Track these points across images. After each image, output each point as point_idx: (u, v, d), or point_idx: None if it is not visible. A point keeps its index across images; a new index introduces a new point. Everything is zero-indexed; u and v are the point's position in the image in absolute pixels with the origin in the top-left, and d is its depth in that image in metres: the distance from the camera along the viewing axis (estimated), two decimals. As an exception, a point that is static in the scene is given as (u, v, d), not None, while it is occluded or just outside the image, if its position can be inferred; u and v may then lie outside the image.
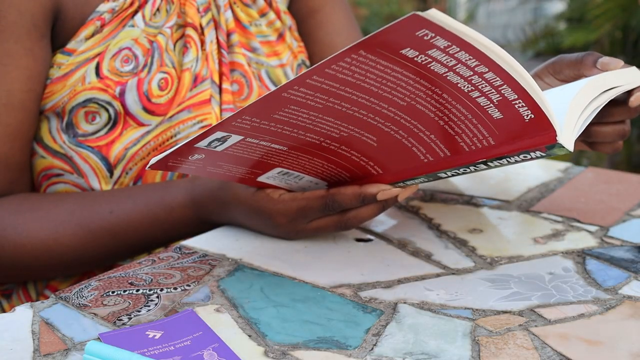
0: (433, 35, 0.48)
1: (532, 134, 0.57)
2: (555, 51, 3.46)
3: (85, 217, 0.78)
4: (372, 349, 0.55)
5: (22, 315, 0.60)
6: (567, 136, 0.57)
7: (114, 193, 0.80)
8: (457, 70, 0.52)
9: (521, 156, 0.59)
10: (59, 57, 0.81)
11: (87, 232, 0.77)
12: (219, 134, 0.59)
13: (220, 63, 0.87)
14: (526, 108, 0.55)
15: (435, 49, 0.50)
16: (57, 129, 0.82)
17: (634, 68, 0.69)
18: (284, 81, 0.90)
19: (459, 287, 0.64)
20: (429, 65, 0.51)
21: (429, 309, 0.61)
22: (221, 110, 0.86)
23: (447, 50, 0.50)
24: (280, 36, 0.94)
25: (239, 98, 0.88)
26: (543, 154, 0.58)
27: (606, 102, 0.64)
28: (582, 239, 0.74)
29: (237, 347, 0.55)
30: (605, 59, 0.70)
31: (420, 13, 0.46)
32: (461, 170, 0.63)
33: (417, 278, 0.66)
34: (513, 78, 0.52)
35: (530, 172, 0.94)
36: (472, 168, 0.62)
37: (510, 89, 0.53)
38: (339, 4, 1.01)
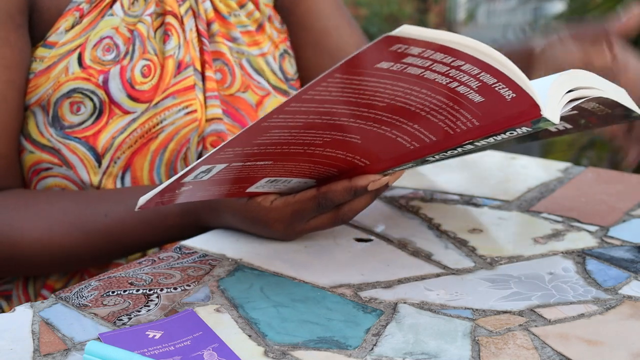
0: (407, 46, 0.49)
1: (516, 111, 0.57)
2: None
3: (79, 218, 0.78)
4: (372, 349, 0.55)
5: (22, 315, 0.60)
6: (552, 108, 0.57)
7: (108, 194, 0.80)
8: (433, 68, 0.53)
9: (507, 133, 0.59)
10: (41, 51, 0.82)
11: (81, 232, 0.78)
12: (203, 167, 0.59)
13: (202, 51, 0.88)
14: (507, 89, 0.55)
15: (409, 57, 0.51)
16: (44, 123, 0.82)
17: (623, 90, 0.69)
18: (265, 69, 0.92)
19: (459, 287, 0.64)
20: (404, 70, 0.52)
21: (429, 309, 0.61)
22: (205, 98, 0.86)
23: (421, 54, 0.51)
24: (260, 26, 0.94)
25: (222, 86, 0.89)
26: (529, 129, 0.58)
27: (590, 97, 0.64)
28: (582, 239, 0.74)
29: (237, 347, 0.55)
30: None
31: (392, 34, 0.47)
32: (448, 152, 0.63)
33: (417, 278, 0.66)
34: (490, 65, 0.53)
35: (530, 172, 0.94)
36: (459, 149, 0.62)
37: (488, 75, 0.54)
38: None
